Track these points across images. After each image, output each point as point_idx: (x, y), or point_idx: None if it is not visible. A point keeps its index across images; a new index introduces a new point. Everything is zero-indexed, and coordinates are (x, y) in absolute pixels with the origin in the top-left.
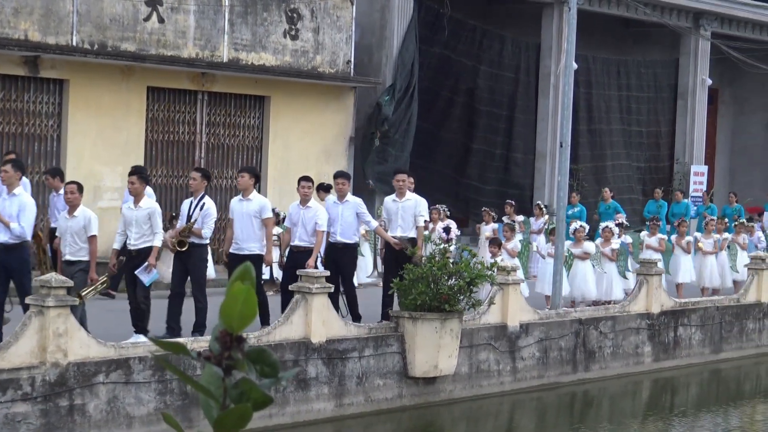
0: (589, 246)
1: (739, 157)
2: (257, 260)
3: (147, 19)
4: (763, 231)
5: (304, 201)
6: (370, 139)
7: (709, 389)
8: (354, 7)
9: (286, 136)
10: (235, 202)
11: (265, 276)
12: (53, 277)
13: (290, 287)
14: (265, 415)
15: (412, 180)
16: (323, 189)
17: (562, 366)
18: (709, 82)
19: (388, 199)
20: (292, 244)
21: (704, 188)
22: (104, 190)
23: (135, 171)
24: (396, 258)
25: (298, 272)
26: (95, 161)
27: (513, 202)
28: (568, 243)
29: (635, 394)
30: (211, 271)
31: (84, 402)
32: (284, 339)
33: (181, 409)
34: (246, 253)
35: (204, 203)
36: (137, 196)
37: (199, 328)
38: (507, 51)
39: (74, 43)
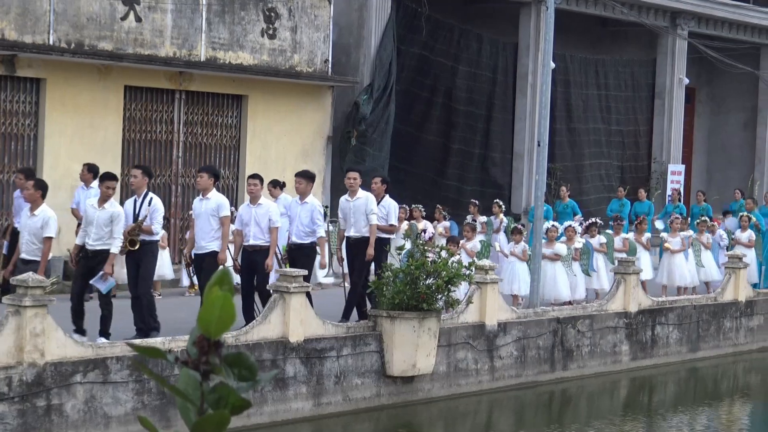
0: (561, 248)
1: (717, 156)
2: (215, 257)
3: (124, 18)
4: (730, 234)
5: (254, 199)
6: (347, 138)
7: (686, 388)
8: (332, 6)
9: (264, 135)
10: (196, 203)
11: None
12: (30, 276)
13: (267, 286)
14: (243, 414)
15: (377, 181)
16: (279, 186)
17: (540, 365)
18: (687, 81)
19: (342, 199)
20: (246, 244)
21: (681, 187)
22: None
23: (114, 177)
24: (353, 258)
25: (275, 271)
26: (72, 160)
27: (477, 202)
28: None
29: (613, 393)
30: (168, 271)
31: (61, 402)
32: (262, 338)
33: (158, 409)
34: (205, 251)
35: (151, 199)
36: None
37: (143, 328)
38: (485, 50)
39: (51, 42)
